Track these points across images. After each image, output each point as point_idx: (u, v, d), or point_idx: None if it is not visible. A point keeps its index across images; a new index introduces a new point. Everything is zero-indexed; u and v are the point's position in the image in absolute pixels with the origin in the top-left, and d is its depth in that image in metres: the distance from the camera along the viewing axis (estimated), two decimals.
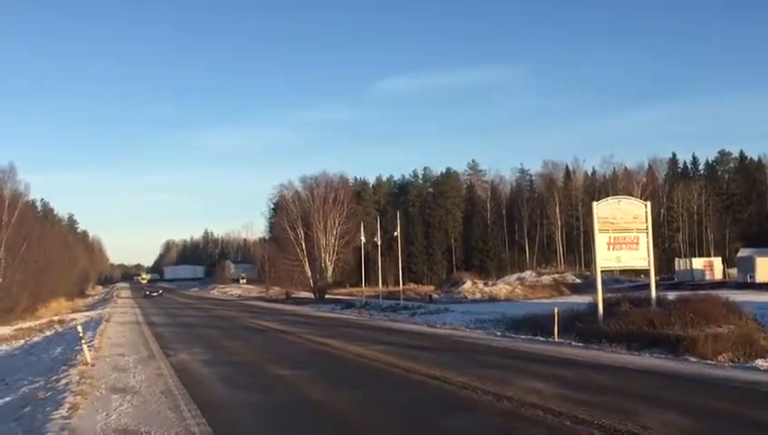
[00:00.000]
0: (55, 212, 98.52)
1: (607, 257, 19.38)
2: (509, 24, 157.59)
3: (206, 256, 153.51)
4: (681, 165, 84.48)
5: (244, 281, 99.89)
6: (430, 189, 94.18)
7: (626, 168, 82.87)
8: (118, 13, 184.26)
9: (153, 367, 14.08)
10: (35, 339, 27.33)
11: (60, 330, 29.44)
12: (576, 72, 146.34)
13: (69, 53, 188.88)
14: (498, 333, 20.05)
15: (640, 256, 19.56)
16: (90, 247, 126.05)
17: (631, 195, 42.39)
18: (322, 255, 59.91)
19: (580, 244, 76.31)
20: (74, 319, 35.58)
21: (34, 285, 47.66)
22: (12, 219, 45.97)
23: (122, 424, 8.39)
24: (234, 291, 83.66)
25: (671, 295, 20.61)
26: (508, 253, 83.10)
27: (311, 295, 55.90)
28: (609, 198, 21.67)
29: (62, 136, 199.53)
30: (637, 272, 38.89)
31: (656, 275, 20.69)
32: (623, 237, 19.38)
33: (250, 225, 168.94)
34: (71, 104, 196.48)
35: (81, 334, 16.06)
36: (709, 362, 13.09)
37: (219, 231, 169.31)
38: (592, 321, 18.62)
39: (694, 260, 56.58)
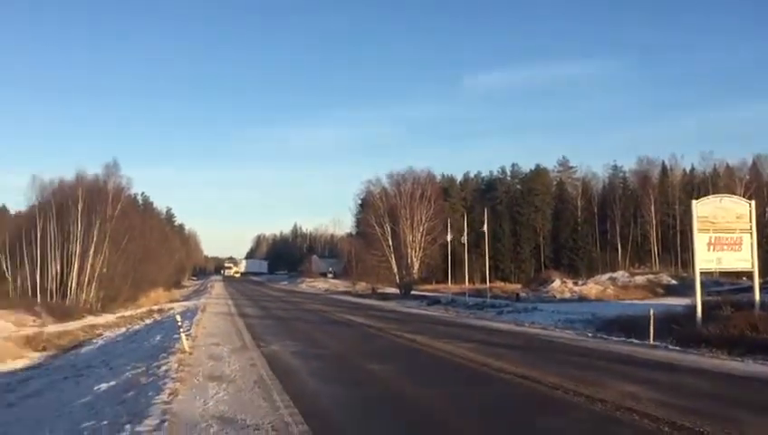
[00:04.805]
0: (154, 206, 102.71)
1: (707, 258, 18.49)
2: (600, 18, 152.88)
3: (294, 250, 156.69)
4: None
5: (332, 275, 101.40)
6: (518, 186, 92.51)
7: (727, 164, 78.86)
8: (204, 13, 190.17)
9: (246, 357, 14.50)
10: (136, 327, 28.74)
11: (158, 319, 30.82)
12: (671, 67, 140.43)
13: (165, 54, 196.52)
14: (589, 334, 19.51)
15: (743, 257, 18.59)
16: (186, 240, 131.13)
17: (733, 193, 40.36)
18: (408, 251, 59.95)
19: (676, 244, 73.31)
20: (172, 308, 37.15)
21: (135, 276, 50.19)
22: (115, 212, 48.51)
23: (220, 411, 8.69)
24: (321, 285, 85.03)
25: None
26: (599, 252, 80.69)
27: (396, 291, 56.11)
28: (709, 197, 20.69)
29: (161, 132, 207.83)
30: (738, 274, 36.97)
31: (760, 278, 19.60)
32: (725, 238, 18.46)
33: (338, 220, 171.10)
34: (167, 103, 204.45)
35: (179, 323, 16.73)
36: None
37: (308, 226, 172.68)
38: (690, 324, 17.82)
39: None
